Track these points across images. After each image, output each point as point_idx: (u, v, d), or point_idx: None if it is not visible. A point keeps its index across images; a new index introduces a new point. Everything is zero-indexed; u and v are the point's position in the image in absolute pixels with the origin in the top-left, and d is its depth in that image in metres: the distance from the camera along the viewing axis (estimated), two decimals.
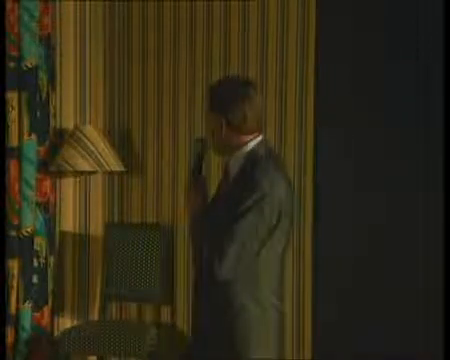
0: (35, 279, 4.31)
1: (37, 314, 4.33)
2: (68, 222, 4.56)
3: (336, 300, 4.15)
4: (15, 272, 4.24)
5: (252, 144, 2.64)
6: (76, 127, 4.41)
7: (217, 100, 2.64)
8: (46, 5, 4.31)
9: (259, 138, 2.66)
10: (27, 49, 4.20)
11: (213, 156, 3.64)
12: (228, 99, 2.61)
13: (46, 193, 4.38)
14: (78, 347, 3.95)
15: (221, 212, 2.56)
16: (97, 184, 4.56)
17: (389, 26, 4.08)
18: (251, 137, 2.64)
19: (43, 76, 4.32)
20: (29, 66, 4.21)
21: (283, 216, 2.56)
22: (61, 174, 4.50)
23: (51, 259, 4.44)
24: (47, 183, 4.40)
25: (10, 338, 4.23)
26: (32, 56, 4.22)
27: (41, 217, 4.35)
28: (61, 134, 4.49)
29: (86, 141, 4.29)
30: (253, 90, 2.64)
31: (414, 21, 4.03)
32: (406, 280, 4.07)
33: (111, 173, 4.52)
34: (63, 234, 4.56)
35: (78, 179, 4.56)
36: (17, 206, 4.23)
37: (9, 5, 4.14)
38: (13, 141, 4.22)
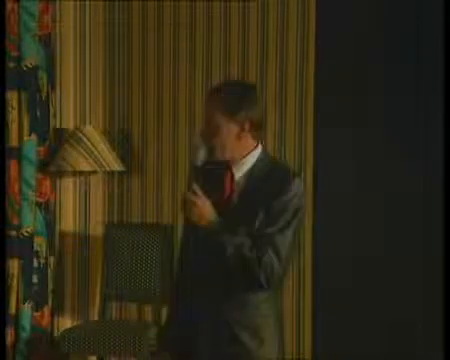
0: (35, 279, 4.31)
1: (37, 314, 4.33)
2: (68, 222, 4.57)
3: (336, 300, 4.15)
4: (15, 272, 4.24)
5: (259, 149, 2.63)
6: (76, 127, 4.42)
7: (240, 103, 2.56)
8: (46, 5, 4.32)
9: (261, 145, 2.65)
10: (27, 49, 4.20)
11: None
12: (251, 103, 2.58)
13: (46, 193, 4.38)
14: (78, 347, 3.95)
15: (246, 216, 2.55)
16: (97, 184, 4.56)
17: (389, 26, 4.08)
18: (257, 143, 2.64)
19: (43, 76, 4.32)
20: (29, 66, 4.21)
21: None
22: (61, 174, 4.50)
23: (51, 259, 4.44)
24: (47, 183, 4.40)
25: (10, 338, 4.23)
26: (32, 56, 4.22)
27: (41, 217, 4.35)
28: (61, 134, 4.49)
29: (86, 141, 4.29)
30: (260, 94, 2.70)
31: (414, 21, 4.03)
32: (406, 280, 4.07)
33: (111, 173, 4.52)
34: (63, 234, 4.56)
35: (78, 179, 4.56)
36: (17, 206, 4.23)
37: (9, 5, 4.14)
38: (13, 141, 4.23)
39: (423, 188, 4.04)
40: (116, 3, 4.50)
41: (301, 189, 2.61)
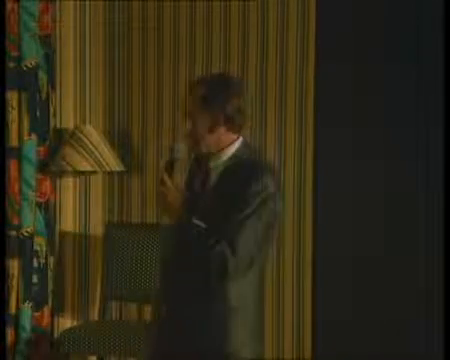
0: (35, 279, 4.31)
1: (37, 314, 4.33)
2: (68, 222, 4.56)
3: (336, 300, 4.15)
4: (15, 272, 4.24)
5: (238, 143, 2.63)
6: (76, 127, 4.41)
7: (215, 96, 2.57)
8: (46, 5, 4.31)
9: (241, 138, 2.65)
10: (27, 49, 4.20)
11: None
12: (227, 95, 2.58)
13: (46, 193, 4.38)
14: (78, 347, 3.95)
15: (220, 210, 2.54)
16: (97, 184, 4.56)
17: (389, 26, 4.08)
18: (237, 136, 2.64)
19: (43, 76, 4.32)
20: (29, 66, 4.21)
21: (277, 214, 2.61)
22: (61, 174, 4.50)
23: (51, 259, 4.44)
24: (47, 183, 4.40)
25: (10, 338, 4.23)
26: (32, 56, 4.22)
27: (41, 217, 4.35)
28: (61, 134, 4.49)
29: (86, 141, 4.29)
30: (245, 87, 2.67)
31: (414, 21, 4.04)
32: (406, 280, 4.07)
33: (111, 173, 4.52)
34: (63, 234, 4.56)
35: (78, 179, 4.56)
36: (17, 206, 4.23)
37: (9, 5, 4.14)
38: (13, 141, 4.23)
39: (423, 188, 4.04)
40: (116, 3, 4.50)
41: (270, 187, 2.54)
